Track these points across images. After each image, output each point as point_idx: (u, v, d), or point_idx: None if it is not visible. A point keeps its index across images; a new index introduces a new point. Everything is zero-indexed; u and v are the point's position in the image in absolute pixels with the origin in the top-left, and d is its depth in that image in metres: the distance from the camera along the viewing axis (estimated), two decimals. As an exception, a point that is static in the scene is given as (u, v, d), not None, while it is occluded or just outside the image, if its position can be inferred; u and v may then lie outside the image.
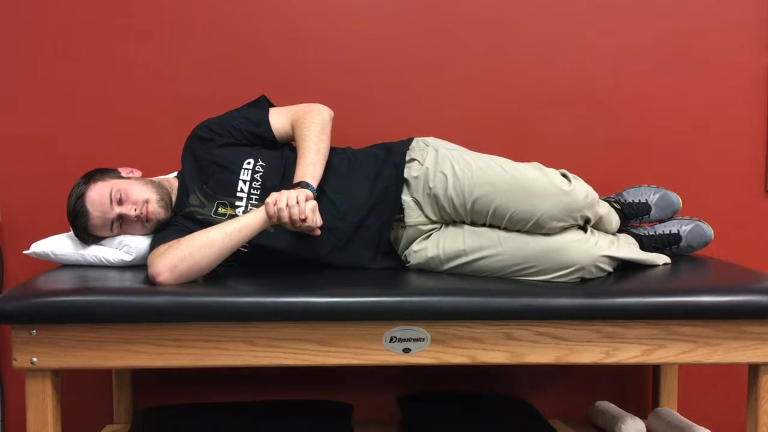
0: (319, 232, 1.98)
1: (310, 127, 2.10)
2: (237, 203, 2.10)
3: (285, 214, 1.91)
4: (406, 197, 2.10)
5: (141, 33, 2.47)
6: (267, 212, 1.93)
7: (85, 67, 2.47)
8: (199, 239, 1.92)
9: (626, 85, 2.54)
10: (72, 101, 2.48)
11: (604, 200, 2.26)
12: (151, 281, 1.90)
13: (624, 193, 2.39)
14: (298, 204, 1.91)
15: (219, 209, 2.11)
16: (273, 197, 1.92)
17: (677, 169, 2.55)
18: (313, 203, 1.95)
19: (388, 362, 1.85)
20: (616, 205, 2.31)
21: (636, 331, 1.86)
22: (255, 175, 2.11)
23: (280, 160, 2.14)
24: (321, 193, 2.07)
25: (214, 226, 1.96)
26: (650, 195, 2.36)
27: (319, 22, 2.50)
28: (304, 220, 1.92)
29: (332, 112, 2.18)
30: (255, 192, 2.10)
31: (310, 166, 2.03)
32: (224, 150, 2.14)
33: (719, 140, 2.56)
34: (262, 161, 2.13)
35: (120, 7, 2.46)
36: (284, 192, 1.93)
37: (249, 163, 2.12)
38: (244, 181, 2.11)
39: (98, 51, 2.47)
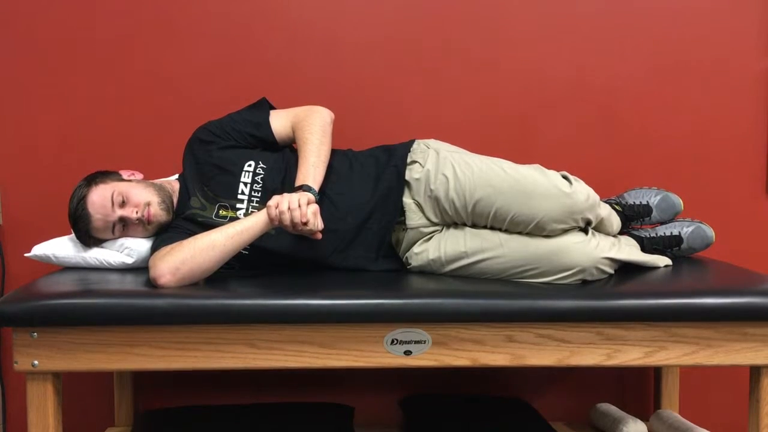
0: (320, 235, 1.98)
1: (312, 130, 2.10)
2: (238, 205, 2.10)
3: (287, 217, 1.91)
4: (407, 199, 2.10)
5: (143, 35, 2.47)
6: (269, 215, 1.93)
7: (87, 69, 2.47)
8: (200, 242, 1.92)
9: (627, 88, 2.54)
10: (73, 104, 2.48)
11: (605, 202, 2.26)
12: (152, 284, 1.90)
13: (625, 195, 2.39)
14: (300, 207, 1.91)
15: (220, 212, 2.11)
16: (275, 200, 1.93)
17: (678, 171, 2.55)
18: (315, 207, 1.95)
19: (389, 364, 1.85)
20: (617, 207, 2.31)
21: (637, 333, 1.86)
22: (256, 178, 2.11)
23: (281, 162, 2.14)
24: (322, 195, 2.07)
25: (216, 229, 1.96)
26: (651, 197, 2.36)
27: (320, 26, 2.50)
28: (305, 224, 1.92)
29: (333, 115, 2.18)
30: (256, 194, 2.10)
31: (312, 169, 2.03)
32: (225, 152, 2.14)
33: (720, 142, 2.56)
34: (262, 163, 2.13)
35: (122, 10, 2.47)
36: (286, 195, 1.93)
37: (250, 166, 2.12)
38: (245, 184, 2.11)
39: (100, 53, 2.47)
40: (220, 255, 1.92)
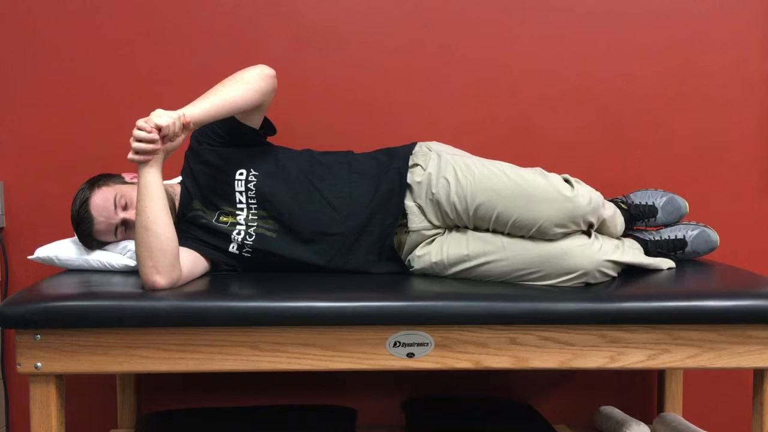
0: (188, 118, 1.92)
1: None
2: (238, 212, 2.10)
3: (144, 146, 1.88)
4: (409, 202, 2.10)
5: (145, 37, 2.48)
6: (137, 162, 1.90)
7: (90, 72, 2.48)
8: (138, 235, 1.89)
9: (630, 90, 2.54)
10: (76, 106, 2.48)
11: (611, 201, 2.26)
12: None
13: (631, 195, 2.39)
14: (142, 130, 1.87)
15: (221, 218, 2.11)
16: (130, 154, 1.90)
17: (682, 173, 2.55)
18: (155, 112, 1.90)
19: (392, 367, 1.85)
20: (622, 206, 2.30)
21: (641, 335, 1.86)
22: (248, 185, 2.11)
23: (273, 166, 2.13)
24: (321, 198, 2.07)
25: (135, 214, 1.93)
26: (657, 198, 2.35)
27: (321, 27, 2.50)
28: (160, 130, 1.88)
29: (265, 69, 2.12)
30: (252, 202, 2.10)
31: (191, 104, 1.99)
32: (215, 159, 2.11)
33: (724, 145, 2.56)
34: (254, 170, 2.12)
35: (124, 10, 2.47)
36: (131, 140, 1.89)
37: (241, 174, 2.12)
38: (240, 193, 2.11)
39: (102, 55, 2.48)
40: (155, 224, 1.88)
